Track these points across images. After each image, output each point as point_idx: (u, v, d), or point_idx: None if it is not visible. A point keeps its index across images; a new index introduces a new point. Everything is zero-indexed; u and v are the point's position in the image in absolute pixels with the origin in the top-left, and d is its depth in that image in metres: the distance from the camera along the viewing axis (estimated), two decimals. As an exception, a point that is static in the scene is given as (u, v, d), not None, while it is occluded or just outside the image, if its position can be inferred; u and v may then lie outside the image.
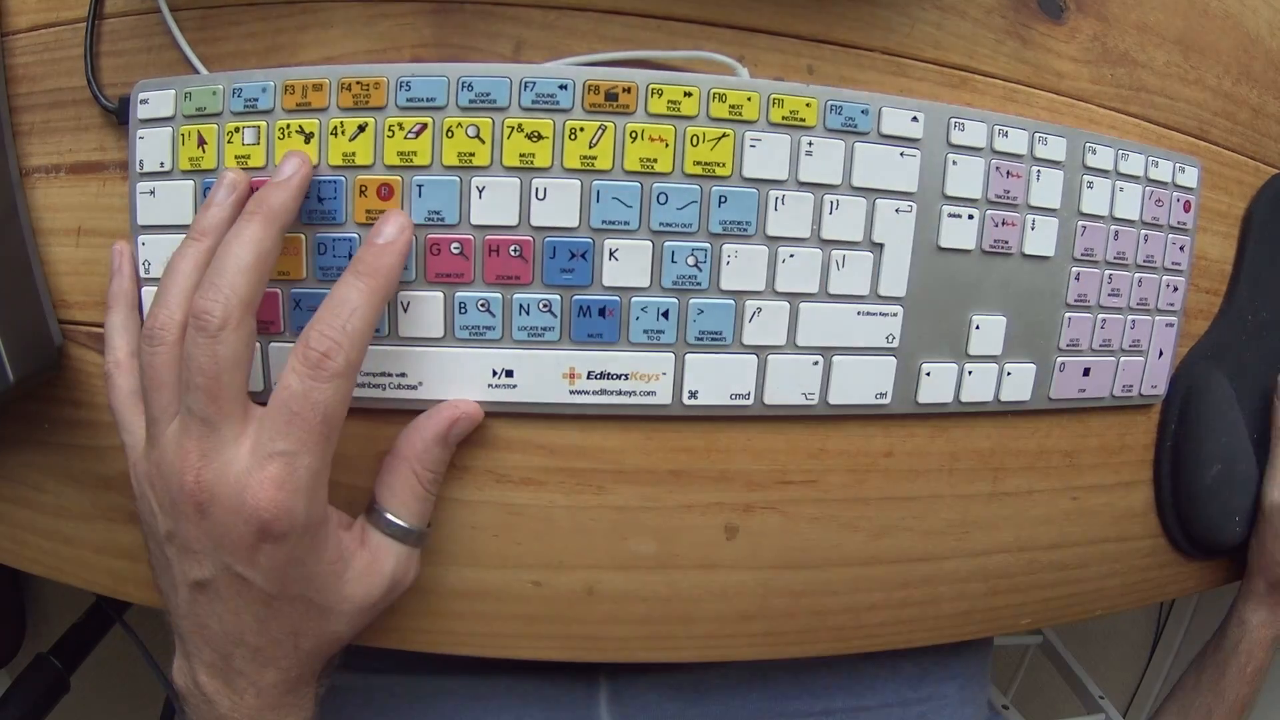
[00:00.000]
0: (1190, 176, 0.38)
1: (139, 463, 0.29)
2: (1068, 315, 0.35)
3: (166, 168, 0.32)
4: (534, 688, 0.39)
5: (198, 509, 0.27)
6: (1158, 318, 0.38)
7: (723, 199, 0.31)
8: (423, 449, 0.30)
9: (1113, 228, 0.36)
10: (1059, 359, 0.36)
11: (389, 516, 0.30)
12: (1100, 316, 0.36)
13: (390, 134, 0.30)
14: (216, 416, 0.26)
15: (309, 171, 0.29)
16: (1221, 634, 0.44)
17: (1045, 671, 0.71)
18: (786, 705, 0.40)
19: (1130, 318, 0.37)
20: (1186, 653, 0.77)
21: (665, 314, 0.31)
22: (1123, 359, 0.37)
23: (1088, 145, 0.35)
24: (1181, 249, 0.38)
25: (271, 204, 0.28)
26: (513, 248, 0.30)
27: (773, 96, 0.31)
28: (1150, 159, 0.37)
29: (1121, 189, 0.36)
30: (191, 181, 0.31)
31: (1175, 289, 0.38)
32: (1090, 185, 0.35)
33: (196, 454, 0.26)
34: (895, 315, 0.33)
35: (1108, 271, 0.36)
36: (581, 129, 0.30)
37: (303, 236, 0.31)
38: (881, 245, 0.32)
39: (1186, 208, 0.38)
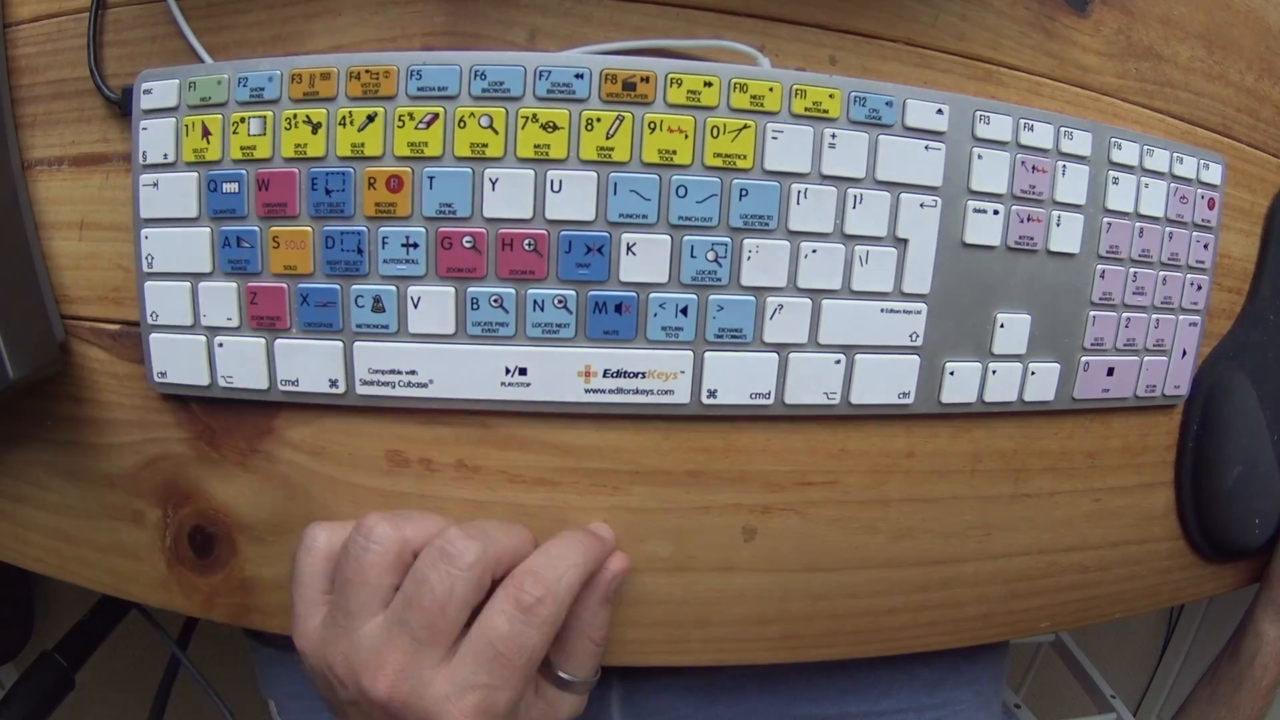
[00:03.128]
0: (1214, 173, 0.36)
1: (317, 638, 0.28)
2: (1092, 314, 0.34)
3: (170, 159, 0.30)
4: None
5: (386, 713, 0.26)
6: (1181, 317, 0.36)
7: (744, 192, 0.29)
8: (591, 616, 0.30)
9: (1138, 225, 0.34)
10: (1083, 358, 0.34)
11: (562, 675, 0.30)
12: (1125, 315, 0.35)
13: (400, 124, 0.28)
14: (429, 641, 0.26)
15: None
16: (1236, 646, 0.42)
17: (1057, 670, 0.70)
18: (800, 709, 0.39)
19: (1154, 317, 0.35)
20: (1198, 652, 0.76)
21: (684, 311, 0.29)
22: (1146, 358, 0.36)
23: (1113, 140, 0.33)
24: (1205, 247, 0.36)
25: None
26: (527, 242, 0.29)
27: (795, 87, 0.29)
28: (1175, 155, 0.35)
29: (1147, 185, 0.34)
30: (195, 174, 0.30)
31: (1199, 288, 0.37)
32: (1115, 181, 0.33)
33: (394, 666, 0.26)
34: (919, 313, 0.31)
35: (1132, 270, 0.34)
36: (598, 119, 0.28)
37: (310, 230, 0.29)
38: (906, 241, 0.30)
39: (1211, 205, 0.36)
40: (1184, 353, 0.37)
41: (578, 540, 0.29)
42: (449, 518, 0.29)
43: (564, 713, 0.30)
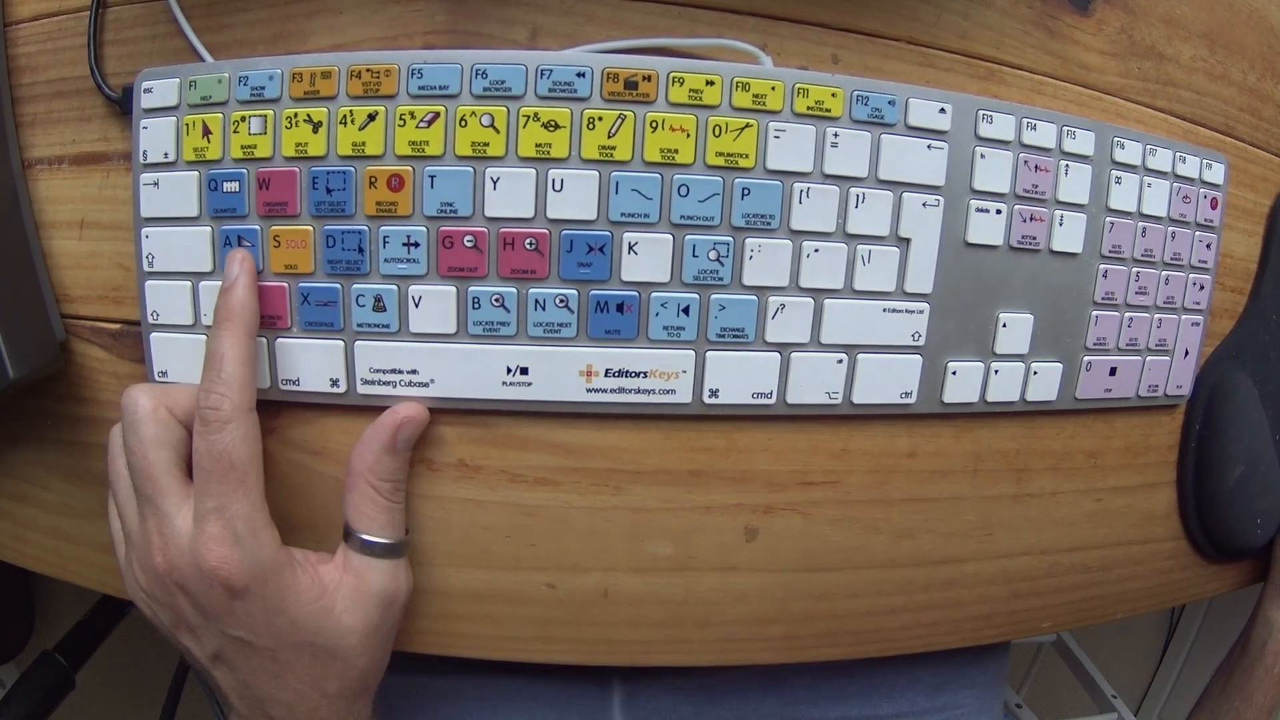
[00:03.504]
0: (1217, 173, 0.36)
1: (128, 569, 0.29)
2: (1095, 313, 0.34)
3: (170, 158, 0.30)
4: (546, 690, 0.37)
5: (179, 588, 0.27)
6: (1184, 317, 0.36)
7: (746, 191, 0.29)
8: (374, 461, 0.29)
9: (1140, 224, 0.34)
10: (1085, 358, 0.34)
11: (361, 536, 0.29)
12: (1127, 315, 0.34)
13: (401, 123, 0.28)
14: (155, 494, 0.27)
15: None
16: (1246, 637, 0.42)
17: (1058, 670, 0.70)
18: (801, 711, 0.38)
19: (1157, 316, 0.35)
20: (1199, 652, 0.76)
21: (686, 310, 0.29)
22: (1149, 358, 0.35)
23: (1116, 140, 0.33)
24: (1208, 247, 0.36)
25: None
26: (528, 241, 0.28)
27: (797, 86, 0.29)
28: (1178, 155, 0.35)
29: (1149, 185, 0.34)
30: (196, 173, 0.29)
31: (1202, 288, 0.36)
32: (1118, 181, 0.33)
33: (156, 536, 0.27)
34: (921, 312, 0.31)
35: (1135, 269, 0.34)
36: (600, 118, 0.28)
37: (310, 229, 0.29)
38: (908, 240, 0.30)
39: (1213, 205, 0.36)
40: (1186, 352, 0.37)
41: (221, 331, 0.28)
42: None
43: (374, 585, 0.29)
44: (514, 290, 0.29)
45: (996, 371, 0.32)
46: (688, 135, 0.28)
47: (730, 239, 0.29)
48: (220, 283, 0.29)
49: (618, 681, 0.38)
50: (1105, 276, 0.33)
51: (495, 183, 0.28)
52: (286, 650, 0.28)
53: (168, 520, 0.27)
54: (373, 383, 0.30)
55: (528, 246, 0.28)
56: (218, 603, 0.27)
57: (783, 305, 0.30)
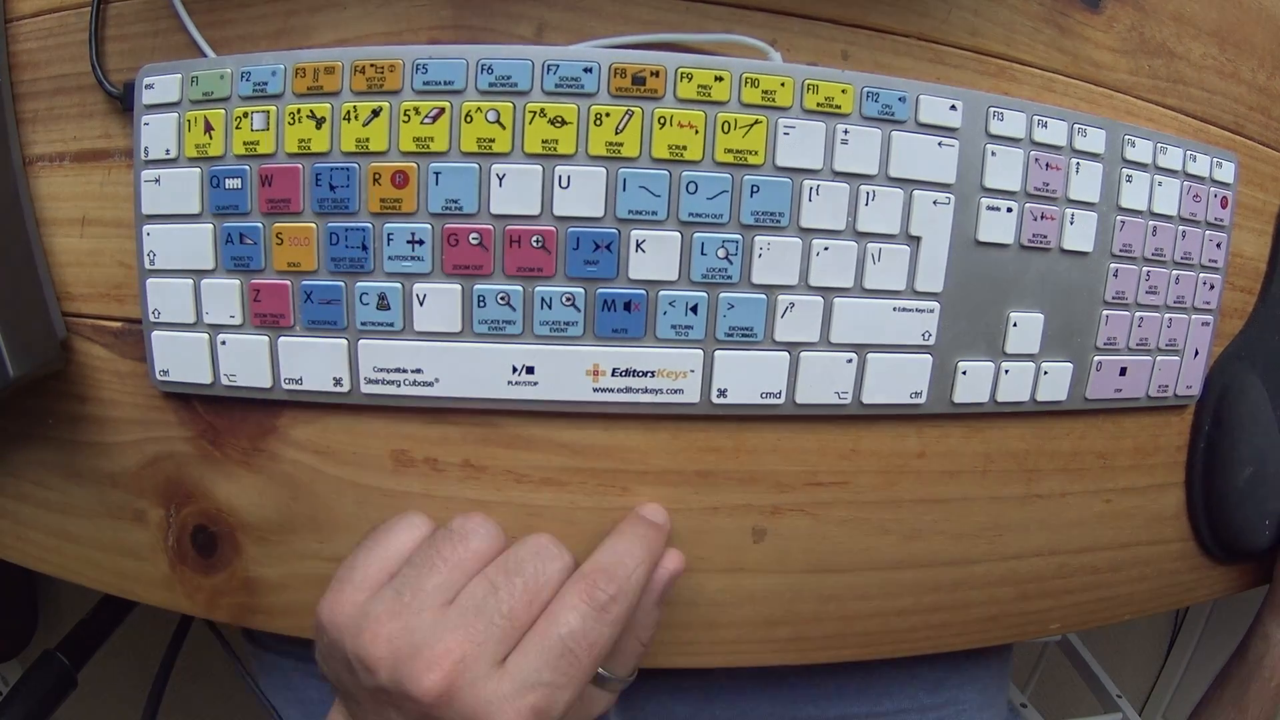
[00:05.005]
0: (1227, 172, 0.35)
1: (356, 612, 0.26)
2: (1105, 313, 0.33)
3: (172, 155, 0.29)
4: None
5: (420, 709, 0.24)
6: (1194, 316, 0.35)
7: (755, 189, 0.28)
8: (642, 616, 0.29)
9: (1151, 223, 0.33)
10: (1096, 358, 0.33)
11: (603, 673, 0.28)
12: (1138, 315, 0.34)
13: (406, 119, 0.27)
14: (504, 633, 0.24)
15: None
16: (1244, 649, 0.41)
17: (1063, 669, 0.69)
18: (799, 710, 0.38)
19: (1167, 316, 0.35)
20: (1203, 652, 0.75)
21: (694, 309, 0.28)
22: (1159, 358, 0.35)
23: (1127, 138, 0.32)
24: (1218, 246, 0.36)
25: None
26: (534, 238, 0.28)
27: (807, 82, 0.28)
28: (1188, 153, 0.34)
29: (1160, 183, 0.33)
30: (198, 169, 0.29)
31: (1212, 287, 0.36)
32: (1129, 179, 0.33)
33: (455, 656, 0.24)
34: (932, 311, 0.30)
35: (1145, 269, 0.34)
36: (607, 114, 0.27)
37: (314, 226, 0.28)
38: (919, 238, 0.30)
39: (1224, 204, 0.35)
40: (1196, 352, 0.36)
41: (641, 534, 0.28)
42: None
43: (596, 709, 0.29)
44: (520, 288, 0.28)
45: (1007, 371, 0.32)
46: (696, 131, 0.28)
47: (739, 237, 0.28)
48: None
49: None
50: (1116, 276, 0.33)
51: (501, 179, 0.27)
52: None
53: (482, 657, 0.24)
54: (376, 382, 0.29)
55: (534, 244, 0.28)
56: None
57: (792, 304, 0.29)
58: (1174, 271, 0.34)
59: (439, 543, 0.26)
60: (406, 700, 0.24)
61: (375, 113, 0.27)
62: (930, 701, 0.39)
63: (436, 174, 0.27)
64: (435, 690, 0.23)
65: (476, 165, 0.27)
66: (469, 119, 0.27)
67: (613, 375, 0.29)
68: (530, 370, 0.29)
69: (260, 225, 0.28)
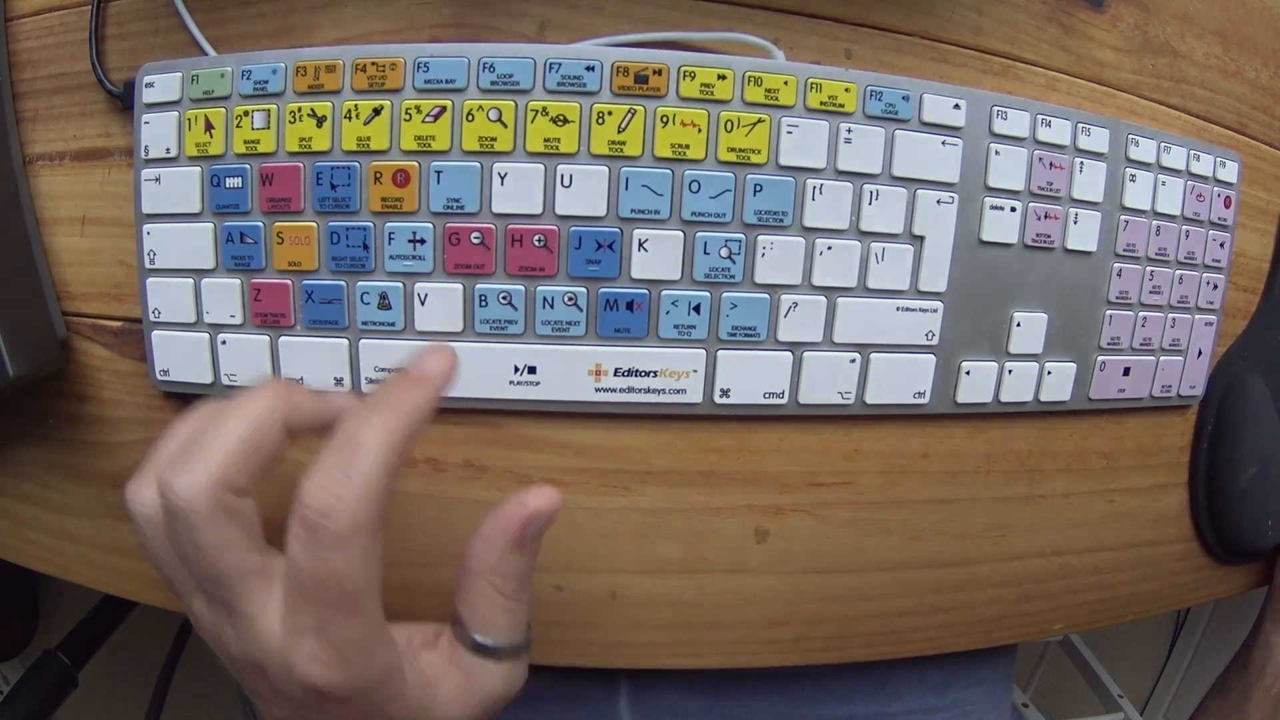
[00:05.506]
0: (1231, 171, 0.35)
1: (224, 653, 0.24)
2: (1109, 313, 0.33)
3: (173, 154, 0.29)
4: (551, 686, 0.36)
5: (255, 670, 0.23)
6: (1197, 316, 0.35)
7: (758, 188, 0.28)
8: (497, 561, 0.24)
9: (1154, 223, 0.33)
10: (1099, 358, 0.33)
11: (476, 638, 0.25)
12: (1141, 315, 0.33)
13: (407, 117, 0.27)
14: (228, 598, 0.22)
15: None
16: (1245, 657, 0.41)
17: (1064, 669, 0.69)
18: (808, 709, 0.37)
19: (1170, 316, 0.34)
20: (1205, 651, 0.75)
21: (696, 308, 0.28)
22: (1162, 358, 0.35)
23: (1130, 137, 0.32)
24: (1221, 246, 0.35)
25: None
26: (536, 238, 0.28)
27: (810, 81, 0.28)
28: (1192, 152, 0.34)
29: (1164, 183, 0.33)
30: (198, 168, 0.29)
31: (1215, 287, 0.35)
32: (1133, 179, 0.32)
33: (232, 633, 0.22)
34: (935, 311, 0.30)
35: (1149, 268, 0.33)
36: (610, 113, 0.27)
37: (314, 225, 0.28)
38: (922, 238, 0.29)
39: (1227, 203, 0.35)
40: (1199, 353, 0.36)
41: (376, 420, 0.22)
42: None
43: (485, 683, 0.25)
44: (522, 288, 0.28)
45: (1010, 371, 0.31)
46: (699, 130, 0.27)
47: (742, 236, 0.28)
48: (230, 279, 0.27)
49: (624, 677, 0.37)
50: (1119, 275, 0.33)
51: (503, 178, 0.27)
52: None
53: (248, 623, 0.22)
54: (378, 382, 0.29)
55: (536, 243, 0.28)
56: (305, 699, 0.22)
57: (795, 304, 0.29)
58: (1177, 271, 0.34)
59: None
60: (244, 675, 0.23)
61: (376, 111, 0.27)
62: (938, 702, 0.39)
63: (438, 173, 0.27)
64: (240, 659, 0.23)
65: (478, 164, 0.27)
66: (470, 118, 0.27)
67: (615, 375, 0.29)
68: (532, 370, 0.28)
69: (261, 224, 0.28)
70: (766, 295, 0.28)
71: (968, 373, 0.31)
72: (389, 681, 0.23)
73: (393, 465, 0.21)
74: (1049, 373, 0.32)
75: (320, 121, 0.28)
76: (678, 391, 0.29)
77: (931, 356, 0.30)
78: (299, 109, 0.28)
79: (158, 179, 0.29)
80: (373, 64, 0.27)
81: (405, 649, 0.24)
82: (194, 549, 0.21)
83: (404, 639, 0.24)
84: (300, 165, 0.28)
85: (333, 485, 0.21)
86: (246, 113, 0.28)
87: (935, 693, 0.39)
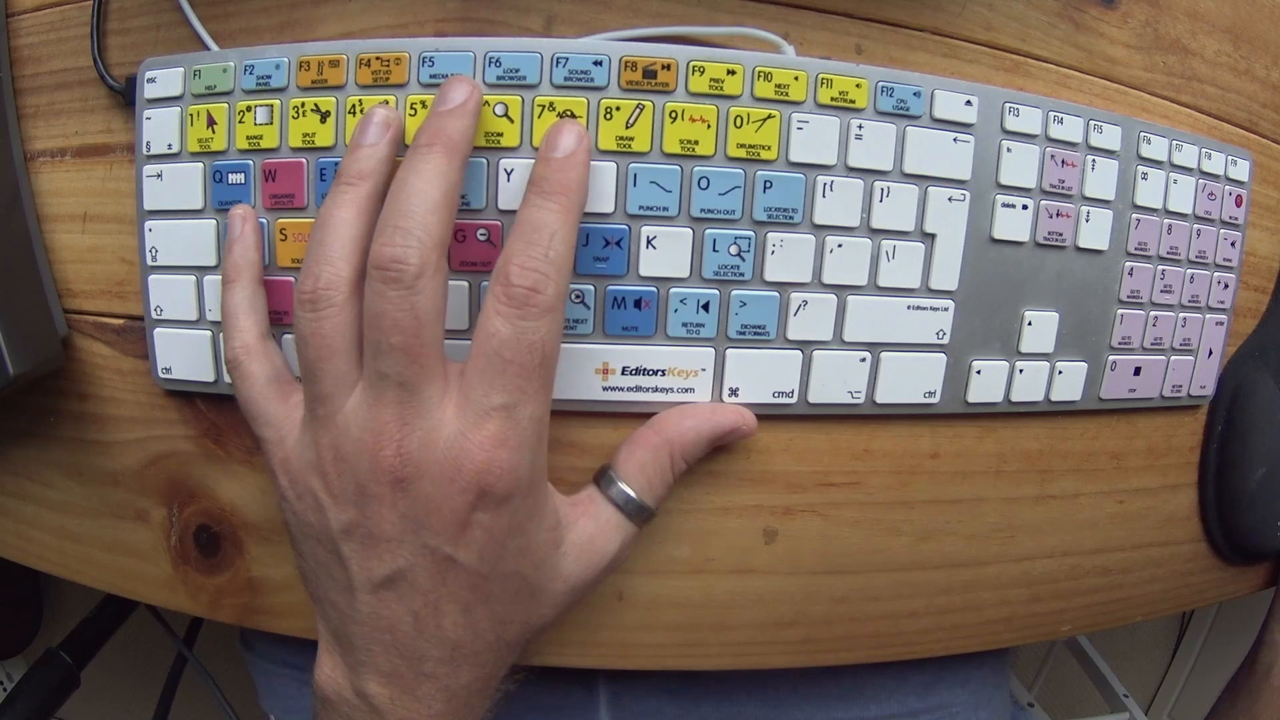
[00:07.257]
0: (1242, 169, 0.35)
1: (294, 455, 0.24)
2: (1120, 312, 0.32)
3: (175, 150, 0.28)
4: (531, 691, 0.35)
5: (397, 486, 0.22)
6: (1208, 316, 0.35)
7: (768, 184, 0.27)
8: (693, 440, 0.27)
9: (1166, 221, 0.32)
10: (1110, 357, 0.32)
11: (624, 487, 0.26)
12: (1152, 314, 0.33)
13: (413, 113, 0.27)
14: (418, 378, 0.22)
15: (481, 96, 0.25)
16: (1253, 658, 0.40)
17: (1070, 668, 0.68)
18: (787, 714, 0.36)
19: (1181, 315, 0.34)
20: (1210, 651, 0.74)
21: (705, 306, 0.28)
22: (1173, 358, 0.34)
23: (1142, 134, 0.31)
24: (1233, 245, 0.35)
25: (450, 133, 0.23)
26: (543, 235, 0.27)
27: (821, 76, 0.27)
28: (1203, 150, 0.33)
29: (1175, 181, 0.32)
30: (200, 164, 0.28)
31: (1226, 286, 0.35)
32: (1144, 177, 0.32)
33: (396, 424, 0.22)
34: (946, 310, 0.29)
35: (1160, 267, 0.33)
36: (617, 108, 0.26)
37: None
38: (933, 235, 0.29)
39: (1238, 202, 0.35)
40: (1210, 352, 0.35)
41: (552, 204, 0.23)
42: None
43: (614, 542, 0.26)
44: (528, 286, 0.27)
45: (1021, 371, 0.31)
46: (708, 126, 0.27)
47: (751, 233, 0.27)
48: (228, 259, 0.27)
49: (603, 681, 0.36)
50: (1131, 274, 0.32)
51: (509, 174, 0.27)
52: (498, 578, 0.23)
53: (423, 411, 0.22)
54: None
55: (543, 240, 0.27)
56: (453, 512, 0.22)
57: (805, 302, 0.28)
58: (1188, 270, 0.33)
59: (301, 354, 0.24)
60: (386, 492, 0.22)
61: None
62: (920, 705, 0.38)
63: (443, 169, 0.27)
64: (395, 462, 0.22)
65: (484, 160, 0.26)
66: (477, 113, 0.26)
67: (622, 374, 0.28)
68: (538, 369, 0.28)
69: (264, 221, 0.28)
70: (776, 293, 0.28)
71: (979, 372, 0.30)
72: (542, 490, 0.24)
73: (574, 246, 0.24)
74: (1060, 372, 0.31)
75: (324, 117, 0.27)
76: (686, 390, 0.28)
77: (942, 356, 0.30)
78: (302, 104, 0.27)
79: (160, 175, 0.28)
80: (377, 59, 0.27)
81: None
82: (410, 317, 0.22)
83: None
84: (303, 161, 0.27)
85: (536, 264, 0.22)
86: (249, 108, 0.27)
87: (917, 695, 0.37)
